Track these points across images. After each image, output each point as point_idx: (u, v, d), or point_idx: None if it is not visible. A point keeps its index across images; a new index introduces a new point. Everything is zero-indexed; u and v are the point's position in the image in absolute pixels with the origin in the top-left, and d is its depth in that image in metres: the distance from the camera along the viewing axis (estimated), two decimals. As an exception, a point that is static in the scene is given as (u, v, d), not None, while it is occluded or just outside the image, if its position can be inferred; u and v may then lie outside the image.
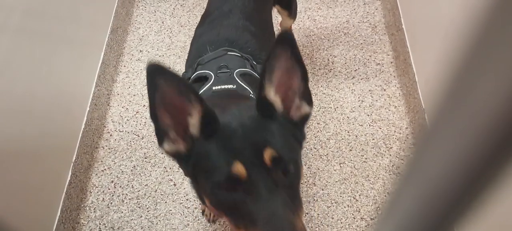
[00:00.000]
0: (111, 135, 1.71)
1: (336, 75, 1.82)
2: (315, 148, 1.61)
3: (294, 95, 0.78)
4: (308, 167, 1.57)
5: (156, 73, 0.68)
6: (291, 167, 0.72)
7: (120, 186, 1.58)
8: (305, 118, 0.80)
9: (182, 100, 0.72)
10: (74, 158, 1.52)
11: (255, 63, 1.10)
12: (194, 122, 0.74)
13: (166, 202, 1.52)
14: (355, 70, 1.83)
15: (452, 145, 0.17)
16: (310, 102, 0.79)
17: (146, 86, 0.70)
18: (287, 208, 0.69)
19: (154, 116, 0.73)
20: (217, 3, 1.26)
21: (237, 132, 0.73)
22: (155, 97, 0.70)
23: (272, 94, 0.75)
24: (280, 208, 0.68)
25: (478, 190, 0.17)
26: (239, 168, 0.69)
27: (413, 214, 0.20)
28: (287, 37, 0.71)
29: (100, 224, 1.50)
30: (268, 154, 0.69)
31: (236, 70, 1.02)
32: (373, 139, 1.62)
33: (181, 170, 1.53)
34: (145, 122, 1.73)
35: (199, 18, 2.05)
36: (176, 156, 0.78)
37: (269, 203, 0.68)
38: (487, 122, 0.15)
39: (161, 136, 0.76)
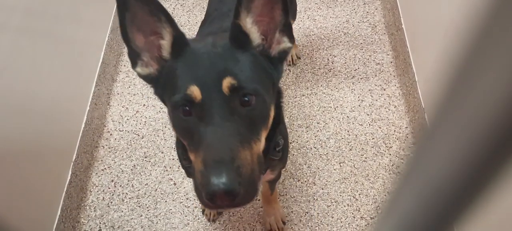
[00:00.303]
0: (111, 134, 1.71)
1: (336, 75, 1.82)
2: (315, 147, 1.61)
3: (275, 29, 0.77)
4: (308, 166, 1.57)
5: None
6: (252, 99, 0.70)
7: (120, 185, 1.58)
8: (284, 53, 0.79)
9: (154, 21, 0.72)
10: (74, 157, 1.52)
11: None
12: (165, 44, 0.74)
13: (166, 201, 1.53)
14: (355, 70, 1.83)
15: (452, 144, 0.17)
16: (291, 38, 0.78)
17: (116, 6, 0.69)
18: (236, 138, 0.67)
19: (125, 37, 0.74)
20: (216, 5, 1.26)
21: (203, 57, 0.72)
22: (125, 16, 0.71)
23: (249, 24, 0.74)
24: (227, 136, 0.67)
25: (477, 189, 0.17)
26: (194, 91, 0.68)
27: (413, 213, 0.21)
28: None
29: (100, 223, 1.50)
30: (227, 82, 0.69)
31: None
32: (373, 138, 1.63)
33: (181, 169, 1.53)
34: (145, 121, 1.73)
35: (198, 18, 2.06)
36: (148, 79, 0.78)
37: (218, 129, 0.67)
38: (486, 121, 0.15)
39: (134, 58, 0.77)
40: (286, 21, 0.76)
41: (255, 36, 0.75)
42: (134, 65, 0.78)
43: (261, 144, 0.74)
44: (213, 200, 0.63)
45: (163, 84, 0.76)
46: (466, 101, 0.16)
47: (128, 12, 0.71)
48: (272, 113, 0.76)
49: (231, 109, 0.68)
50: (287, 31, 0.77)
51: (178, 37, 0.74)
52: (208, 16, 1.28)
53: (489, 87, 0.14)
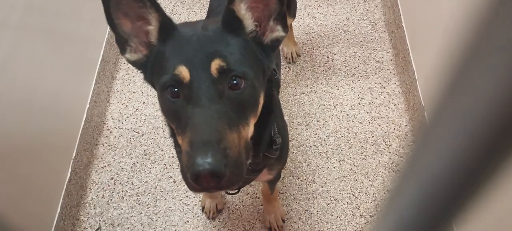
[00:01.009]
0: (111, 132, 1.71)
1: (335, 73, 1.82)
2: (315, 145, 1.61)
3: (269, 16, 0.76)
4: (308, 164, 1.57)
5: None
6: (241, 82, 0.69)
7: (120, 183, 1.58)
8: (277, 41, 0.78)
9: (139, 6, 0.72)
10: (74, 155, 1.52)
11: None
12: (152, 29, 0.74)
13: (165, 199, 1.53)
14: (354, 68, 1.83)
15: (451, 142, 0.17)
16: (285, 27, 0.77)
17: None
18: (223, 120, 0.66)
19: (110, 23, 0.74)
20: (219, 1, 1.26)
21: (192, 39, 0.72)
22: (109, 3, 0.71)
23: (243, 10, 0.73)
24: (215, 118, 0.66)
25: (476, 187, 0.17)
26: (183, 71, 0.68)
27: (412, 211, 0.21)
28: None
29: (100, 220, 1.50)
30: (215, 64, 0.68)
31: None
32: (372, 137, 1.63)
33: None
34: (145, 119, 1.73)
35: (199, 16, 2.05)
36: (137, 64, 0.78)
37: (205, 111, 0.66)
38: (486, 118, 0.15)
39: (122, 44, 0.77)
40: (281, 10, 0.76)
41: (249, 22, 0.75)
42: (123, 51, 0.78)
43: (249, 129, 0.73)
44: (198, 181, 0.62)
45: (152, 68, 0.76)
46: (465, 100, 0.16)
47: None
48: (261, 100, 0.76)
49: (219, 91, 0.68)
50: (282, 19, 0.77)
51: (165, 22, 0.73)
52: (210, 12, 1.28)
53: (489, 84, 0.14)
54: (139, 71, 0.80)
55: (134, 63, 0.79)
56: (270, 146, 0.91)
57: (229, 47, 0.72)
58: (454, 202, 0.18)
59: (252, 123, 0.74)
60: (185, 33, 0.74)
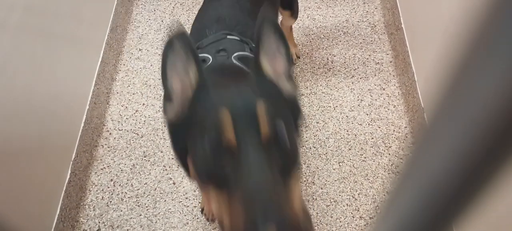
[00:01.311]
0: (110, 134, 1.71)
1: (335, 74, 1.82)
2: (314, 147, 1.61)
3: (281, 71, 0.77)
4: (307, 166, 1.57)
5: (177, 38, 0.70)
6: (287, 143, 0.65)
7: (120, 185, 1.58)
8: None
9: (186, 63, 0.72)
10: (73, 156, 1.52)
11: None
12: (189, 86, 0.73)
13: (165, 201, 1.52)
14: (354, 70, 1.83)
15: (451, 144, 0.17)
16: (293, 86, 0.78)
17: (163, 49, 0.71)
18: (278, 189, 0.59)
19: (164, 81, 0.73)
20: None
21: (233, 98, 0.69)
22: (167, 60, 0.71)
23: (267, 67, 0.74)
24: (272, 192, 0.58)
25: (477, 189, 0.17)
26: (228, 134, 0.62)
27: (412, 213, 0.21)
28: (268, 18, 0.72)
29: (99, 222, 1.50)
30: (263, 124, 0.63)
31: (234, 54, 1.02)
32: (372, 138, 1.63)
33: (180, 169, 1.53)
34: (144, 120, 1.73)
35: (198, 17, 2.05)
36: (172, 125, 0.76)
37: (259, 181, 0.59)
38: (485, 119, 0.15)
39: (166, 100, 0.75)
40: (290, 68, 0.77)
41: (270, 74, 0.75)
42: (165, 109, 0.76)
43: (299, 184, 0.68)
44: None
45: (187, 128, 0.71)
46: (465, 101, 0.16)
47: (171, 53, 0.70)
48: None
49: (268, 154, 0.62)
50: (291, 77, 0.77)
51: (201, 83, 0.71)
52: (202, 12, 1.29)
53: (488, 86, 0.14)
54: (170, 133, 0.78)
55: (170, 122, 0.76)
56: None
57: (269, 97, 0.68)
58: (454, 204, 0.18)
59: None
60: (222, 93, 0.71)
